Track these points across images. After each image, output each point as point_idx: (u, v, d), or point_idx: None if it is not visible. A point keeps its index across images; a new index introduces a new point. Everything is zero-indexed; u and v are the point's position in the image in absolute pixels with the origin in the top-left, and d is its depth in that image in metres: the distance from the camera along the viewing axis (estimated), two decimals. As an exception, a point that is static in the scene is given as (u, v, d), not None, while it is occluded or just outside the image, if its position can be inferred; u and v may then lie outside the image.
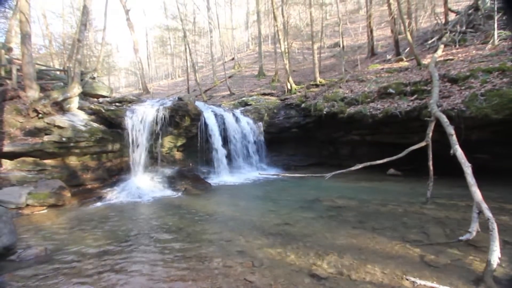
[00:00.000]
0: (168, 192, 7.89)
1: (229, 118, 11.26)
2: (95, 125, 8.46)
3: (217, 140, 10.61)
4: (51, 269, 3.43)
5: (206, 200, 7.13)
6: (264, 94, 15.21)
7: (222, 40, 29.11)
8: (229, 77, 21.74)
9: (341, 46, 17.21)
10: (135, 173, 8.65)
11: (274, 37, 19.52)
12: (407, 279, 2.87)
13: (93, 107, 8.97)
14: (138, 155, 8.81)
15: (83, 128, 8.03)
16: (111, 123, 8.78)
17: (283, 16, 16.06)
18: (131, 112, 9.08)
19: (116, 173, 8.66)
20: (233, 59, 30.27)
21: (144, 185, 8.12)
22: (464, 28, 11.64)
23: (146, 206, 6.70)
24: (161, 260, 3.60)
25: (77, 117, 8.39)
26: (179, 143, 10.17)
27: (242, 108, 12.72)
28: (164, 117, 9.21)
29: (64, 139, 7.54)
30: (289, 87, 14.23)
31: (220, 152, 10.60)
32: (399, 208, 5.41)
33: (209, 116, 10.72)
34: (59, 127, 7.66)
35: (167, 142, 9.80)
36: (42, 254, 3.85)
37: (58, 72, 11.99)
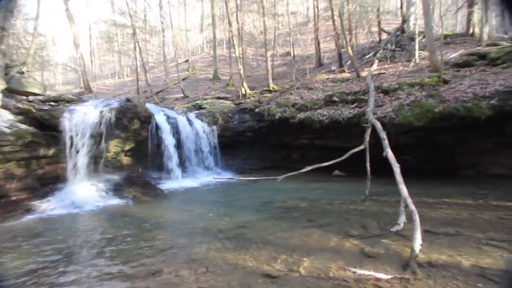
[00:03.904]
0: (114, 201, 7.27)
1: (182, 121, 10.90)
2: (23, 127, 7.38)
3: (169, 144, 10.16)
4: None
5: (157, 207, 6.78)
6: (219, 98, 15.13)
7: (175, 41, 28.09)
8: (183, 79, 21.07)
9: (292, 55, 18.12)
10: (75, 180, 7.76)
11: (229, 42, 19.67)
12: (349, 270, 3.18)
13: (21, 106, 7.83)
14: (78, 161, 7.94)
15: (7, 131, 6.93)
16: (44, 125, 7.76)
17: (237, 22, 16.28)
18: (69, 113, 8.14)
19: (51, 182, 7.65)
20: (187, 61, 29.43)
21: (86, 193, 7.34)
22: (393, 46, 13.43)
23: (87, 217, 6.07)
24: (104, 277, 3.31)
25: (0, 118, 7.22)
26: (127, 147, 9.47)
27: (196, 112, 12.44)
28: (110, 119, 8.49)
29: (-19, 143, 6.42)
30: (243, 92, 14.45)
31: (172, 157, 10.17)
32: (343, 205, 5.93)
33: (161, 119, 10.23)
34: (-26, 129, 6.50)
35: (113, 146, 9.04)
36: (-51, 282, 3.21)
37: (-27, 64, 10.14)
